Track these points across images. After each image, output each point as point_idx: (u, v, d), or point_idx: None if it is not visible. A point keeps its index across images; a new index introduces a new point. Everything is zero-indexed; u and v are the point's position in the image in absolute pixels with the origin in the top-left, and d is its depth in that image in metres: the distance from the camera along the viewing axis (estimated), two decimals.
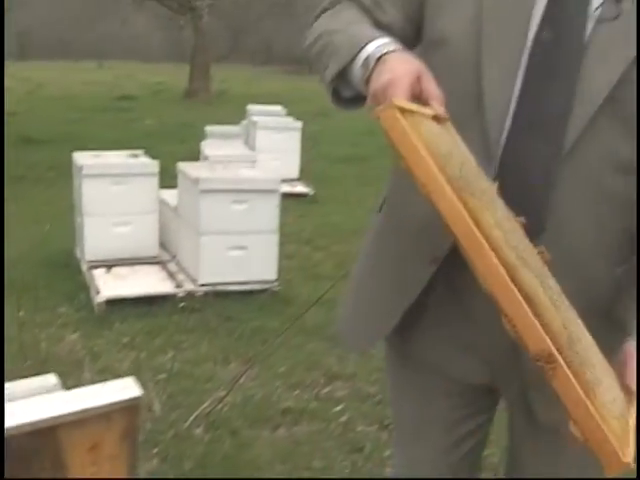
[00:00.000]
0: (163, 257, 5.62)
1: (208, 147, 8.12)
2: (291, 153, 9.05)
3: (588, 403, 1.16)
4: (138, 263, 5.44)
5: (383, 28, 1.54)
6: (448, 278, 1.55)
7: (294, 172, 9.15)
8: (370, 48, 1.41)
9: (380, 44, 1.41)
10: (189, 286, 5.09)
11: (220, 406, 3.76)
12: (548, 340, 1.17)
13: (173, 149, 11.56)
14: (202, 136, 9.95)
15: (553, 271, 1.31)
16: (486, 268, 1.19)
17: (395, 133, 1.20)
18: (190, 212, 5.17)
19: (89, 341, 4.47)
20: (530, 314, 1.17)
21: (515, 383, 1.59)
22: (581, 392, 1.16)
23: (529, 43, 1.45)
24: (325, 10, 1.65)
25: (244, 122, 10.51)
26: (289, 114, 11.13)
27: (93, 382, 1.48)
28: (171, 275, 5.28)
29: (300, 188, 8.81)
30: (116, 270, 5.30)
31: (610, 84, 1.41)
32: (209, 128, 10.01)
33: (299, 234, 6.90)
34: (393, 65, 1.34)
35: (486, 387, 1.67)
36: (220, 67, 29.55)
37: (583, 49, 1.42)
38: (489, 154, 1.45)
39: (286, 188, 8.22)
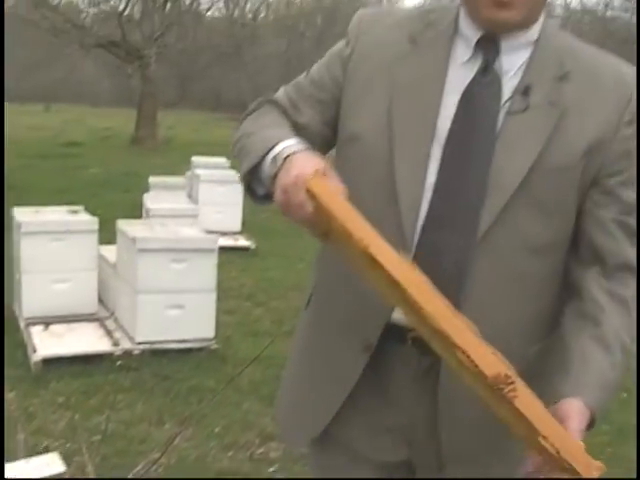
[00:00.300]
0: (101, 314, 5.63)
1: (150, 200, 8.18)
2: (234, 206, 9.10)
3: (551, 416, 1.21)
4: (76, 320, 5.44)
5: (300, 128, 1.65)
6: (373, 366, 1.62)
7: (236, 225, 9.21)
8: (278, 148, 1.50)
9: (287, 145, 1.50)
10: (126, 344, 5.11)
11: (154, 468, 3.77)
12: (503, 363, 1.22)
13: (117, 199, 11.57)
14: (146, 186, 9.99)
15: None
16: (434, 306, 1.25)
17: (326, 195, 1.29)
18: (128, 270, 5.20)
19: (25, 400, 4.45)
20: (481, 343, 1.23)
21: (433, 459, 1.66)
22: (543, 406, 1.22)
23: (443, 135, 1.55)
24: (251, 113, 1.75)
25: (188, 173, 10.58)
26: (234, 164, 11.20)
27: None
28: (109, 333, 5.29)
29: (242, 242, 8.87)
30: (54, 328, 5.30)
31: (521, 173, 1.50)
32: (152, 179, 10.05)
33: (240, 289, 6.95)
34: (299, 163, 1.42)
35: (405, 463, 1.73)
36: (168, 113, 29.61)
37: (494, 140, 1.52)
38: (404, 244, 1.51)
39: (228, 242, 8.30)
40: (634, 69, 1.63)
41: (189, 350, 5.19)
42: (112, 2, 27.33)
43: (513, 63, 1.57)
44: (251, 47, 33.40)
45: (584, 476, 1.18)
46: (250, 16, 41.32)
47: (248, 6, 43.70)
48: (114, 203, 11.01)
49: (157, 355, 5.09)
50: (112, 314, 5.60)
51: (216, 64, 38.98)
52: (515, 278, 1.54)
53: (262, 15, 40.66)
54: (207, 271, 5.17)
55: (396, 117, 1.57)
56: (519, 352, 1.54)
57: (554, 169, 1.52)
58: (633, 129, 1.56)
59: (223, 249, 6.13)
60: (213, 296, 5.25)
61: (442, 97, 1.57)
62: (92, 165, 15.65)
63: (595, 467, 1.19)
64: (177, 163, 15.72)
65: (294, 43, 45.61)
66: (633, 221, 1.58)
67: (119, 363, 4.98)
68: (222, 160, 11.34)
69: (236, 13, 40.08)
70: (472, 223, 1.51)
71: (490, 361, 1.22)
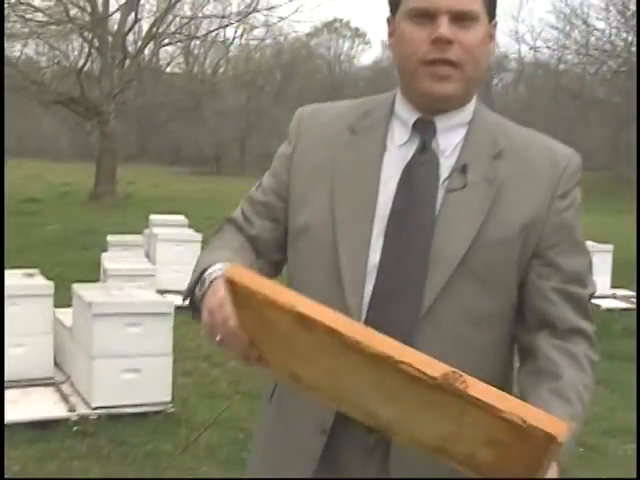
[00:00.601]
0: (58, 378, 5.61)
1: (108, 260, 8.18)
2: (191, 265, 9.00)
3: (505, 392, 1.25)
4: (31, 385, 5.42)
5: (252, 240, 1.76)
6: (330, 445, 1.67)
7: None
8: (207, 272, 1.58)
9: (215, 269, 1.58)
10: (83, 409, 5.09)
11: None
12: (445, 365, 1.26)
13: (75, 257, 11.56)
14: (105, 244, 10.00)
15: None
16: (366, 336, 1.27)
17: (247, 278, 1.33)
18: (84, 334, 5.21)
19: None
20: (421, 354, 1.26)
21: None
22: (496, 389, 1.24)
23: (385, 215, 1.62)
24: (217, 232, 1.85)
25: (146, 231, 10.60)
26: (194, 220, 11.27)
27: None
28: (65, 398, 5.27)
29: None
30: (9, 393, 5.26)
31: (463, 248, 1.58)
32: (110, 238, 10.07)
33: (197, 350, 6.95)
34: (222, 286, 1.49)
35: None
36: (128, 168, 29.64)
37: (434, 217, 1.60)
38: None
39: (186, 301, 8.29)
40: (564, 147, 1.73)
41: (146, 414, 5.18)
42: (71, 58, 27.62)
43: (449, 143, 1.66)
44: (211, 102, 33.63)
45: (555, 434, 1.20)
46: (210, 71, 41.74)
47: (207, 61, 44.24)
48: (72, 262, 11.00)
49: (114, 420, 5.07)
50: (68, 378, 5.58)
51: (175, 119, 39.20)
52: (461, 349, 1.59)
53: (221, 70, 41.08)
54: (163, 334, 5.19)
55: (338, 204, 1.65)
56: None
57: (493, 243, 1.59)
58: (568, 201, 1.66)
59: (180, 309, 6.13)
60: (169, 359, 5.26)
61: (380, 179, 1.65)
62: (51, 222, 15.63)
63: (562, 425, 1.21)
64: (136, 220, 15.74)
65: (253, 98, 46.03)
66: (576, 289, 1.67)
67: (75, 428, 4.95)
68: (180, 218, 11.39)
69: (196, 68, 40.49)
70: (417, 298, 1.58)
71: (434, 365, 1.26)
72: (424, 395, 1.28)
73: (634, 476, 4.23)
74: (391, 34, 1.69)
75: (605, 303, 9.68)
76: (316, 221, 1.67)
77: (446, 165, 1.64)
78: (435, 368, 1.24)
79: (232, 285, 1.35)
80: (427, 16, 1.56)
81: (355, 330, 1.28)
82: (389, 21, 1.70)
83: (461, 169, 1.63)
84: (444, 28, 1.55)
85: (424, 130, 1.66)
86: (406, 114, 1.68)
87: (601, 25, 15.72)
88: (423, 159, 1.64)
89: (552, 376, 1.57)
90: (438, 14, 1.55)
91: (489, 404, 1.22)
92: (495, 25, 1.66)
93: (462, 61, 1.58)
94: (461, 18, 1.56)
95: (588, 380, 1.62)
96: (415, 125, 1.67)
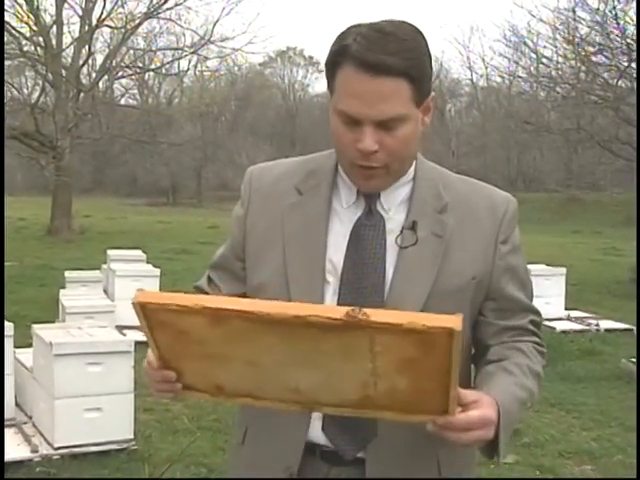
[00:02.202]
0: (19, 418, 5.61)
1: (66, 297, 8.18)
2: None
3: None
4: None
5: None
6: None
7: None
8: None
9: None
10: (45, 450, 5.09)
11: None
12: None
13: (33, 294, 11.50)
14: (63, 280, 9.98)
15: None
16: (278, 306, 1.38)
17: (155, 296, 1.42)
18: (45, 375, 5.23)
19: None
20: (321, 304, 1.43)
21: None
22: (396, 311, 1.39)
23: (338, 272, 1.71)
24: None
25: (104, 267, 10.60)
26: (151, 254, 11.28)
27: None
28: (27, 438, 5.27)
29: None
30: None
31: (421, 301, 1.68)
32: (68, 274, 10.05)
33: None
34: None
35: None
36: (84, 200, 29.50)
37: (384, 274, 1.70)
38: None
39: (145, 337, 8.30)
40: (501, 193, 1.84)
41: (109, 452, 5.19)
42: (25, 92, 27.50)
43: (394, 201, 1.76)
44: (166, 133, 33.61)
45: (452, 326, 1.33)
46: (164, 101, 41.73)
47: (162, 93, 44.25)
48: (30, 299, 10.95)
49: (77, 459, 5.07)
50: (30, 418, 5.58)
51: (131, 150, 39.07)
52: None
53: (176, 101, 41.10)
54: (124, 372, 5.22)
55: (289, 264, 1.74)
56: (431, 452, 1.73)
57: (447, 294, 1.70)
58: (509, 245, 1.78)
59: (140, 344, 6.18)
60: (131, 397, 5.29)
61: (328, 240, 1.74)
62: (7, 258, 15.48)
63: (457, 318, 1.34)
64: (93, 254, 15.72)
65: (209, 128, 46.09)
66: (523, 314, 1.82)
67: (39, 469, 4.95)
68: (138, 252, 11.40)
69: (150, 100, 40.46)
70: None
71: (336, 309, 1.36)
72: (336, 345, 1.39)
73: (634, 476, 4.33)
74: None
75: (560, 325, 9.87)
76: (270, 281, 1.75)
77: (394, 220, 1.74)
78: (337, 311, 1.35)
79: (143, 308, 1.42)
80: (353, 122, 1.61)
81: (262, 305, 1.38)
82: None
83: (411, 226, 1.72)
84: (367, 141, 1.60)
85: (368, 193, 1.75)
86: (349, 180, 1.77)
87: (548, 53, 16.06)
88: (369, 222, 1.74)
89: (498, 360, 1.74)
90: (363, 123, 1.60)
91: (390, 322, 1.33)
92: (432, 98, 1.70)
93: (387, 163, 1.65)
94: (386, 123, 1.61)
95: (534, 364, 1.76)
96: (359, 190, 1.76)
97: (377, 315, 1.34)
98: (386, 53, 1.56)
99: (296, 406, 1.53)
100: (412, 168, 1.78)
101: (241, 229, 1.85)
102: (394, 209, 1.75)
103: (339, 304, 1.68)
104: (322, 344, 1.39)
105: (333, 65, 1.63)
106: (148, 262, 11.15)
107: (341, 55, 1.60)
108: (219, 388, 1.54)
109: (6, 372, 5.51)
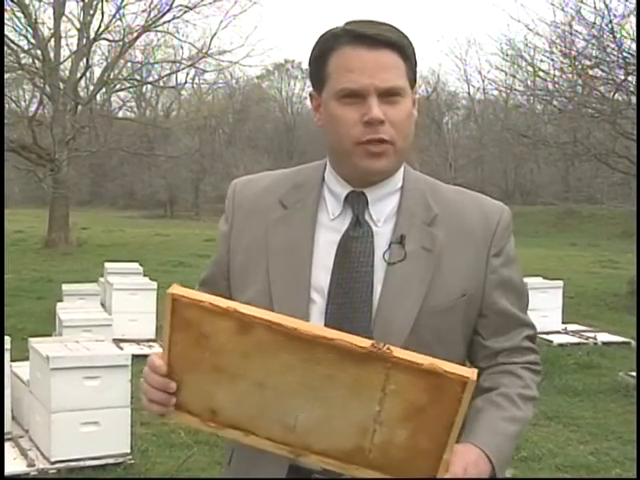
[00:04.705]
0: (16, 432, 5.59)
1: (63, 310, 8.17)
2: (147, 314, 9.01)
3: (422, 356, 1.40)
4: None
5: None
6: None
7: (150, 332, 9.06)
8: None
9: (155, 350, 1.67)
10: (42, 464, 5.08)
11: None
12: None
13: (30, 307, 11.49)
14: (60, 293, 9.96)
15: None
16: (306, 325, 1.42)
17: (190, 292, 1.44)
18: (42, 389, 5.22)
19: None
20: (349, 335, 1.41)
21: None
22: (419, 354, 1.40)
23: (325, 288, 1.68)
24: None
25: (101, 280, 10.60)
26: (148, 267, 11.27)
27: None
28: (23, 453, 5.26)
29: (157, 349, 8.86)
30: None
31: (411, 320, 1.65)
32: (65, 287, 10.04)
33: None
34: (150, 358, 1.57)
35: None
36: (81, 213, 29.49)
37: (372, 289, 1.67)
38: None
39: (142, 350, 8.30)
40: (494, 202, 1.82)
41: (106, 466, 5.19)
42: (23, 105, 27.52)
43: (382, 211, 1.73)
44: (164, 146, 33.67)
45: (468, 375, 1.36)
46: (162, 114, 41.82)
47: (160, 105, 44.34)
48: (27, 312, 10.95)
49: (74, 473, 5.08)
50: (27, 432, 5.57)
51: (128, 163, 39.13)
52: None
53: (174, 114, 41.18)
54: (121, 386, 5.22)
55: (273, 281, 1.71)
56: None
57: (438, 310, 1.68)
58: (503, 258, 1.76)
59: (137, 357, 6.19)
60: (127, 411, 5.29)
61: (314, 255, 1.71)
62: (5, 271, 15.46)
63: (473, 370, 1.39)
64: (90, 267, 15.71)
65: (206, 141, 46.11)
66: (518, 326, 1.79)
67: None
68: (135, 265, 11.38)
69: (148, 113, 40.54)
70: None
71: (362, 340, 1.39)
72: (350, 375, 1.40)
73: (634, 477, 4.34)
74: (316, 109, 1.75)
75: (557, 338, 9.85)
76: (255, 297, 1.70)
77: (381, 233, 1.71)
78: (363, 341, 1.39)
79: (175, 302, 1.44)
80: (356, 96, 1.63)
81: (292, 321, 1.41)
82: (312, 96, 1.76)
83: (399, 240, 1.69)
84: (375, 110, 1.62)
85: (356, 203, 1.72)
86: (337, 188, 1.75)
87: (545, 66, 16.09)
88: (357, 234, 1.70)
89: (487, 392, 1.71)
90: (367, 94, 1.62)
91: (411, 360, 1.37)
92: (416, 92, 1.73)
93: (394, 138, 1.65)
94: (388, 94, 1.63)
95: (525, 389, 1.74)
96: (347, 198, 1.73)
97: (399, 352, 1.38)
98: (381, 30, 1.63)
99: (284, 450, 1.52)
100: (400, 176, 1.76)
101: (225, 246, 1.82)
102: (382, 221, 1.72)
103: (326, 324, 1.64)
104: (337, 372, 1.40)
105: (324, 54, 1.68)
106: (145, 275, 11.14)
107: (333, 41, 1.66)
108: (213, 413, 1.52)
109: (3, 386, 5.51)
